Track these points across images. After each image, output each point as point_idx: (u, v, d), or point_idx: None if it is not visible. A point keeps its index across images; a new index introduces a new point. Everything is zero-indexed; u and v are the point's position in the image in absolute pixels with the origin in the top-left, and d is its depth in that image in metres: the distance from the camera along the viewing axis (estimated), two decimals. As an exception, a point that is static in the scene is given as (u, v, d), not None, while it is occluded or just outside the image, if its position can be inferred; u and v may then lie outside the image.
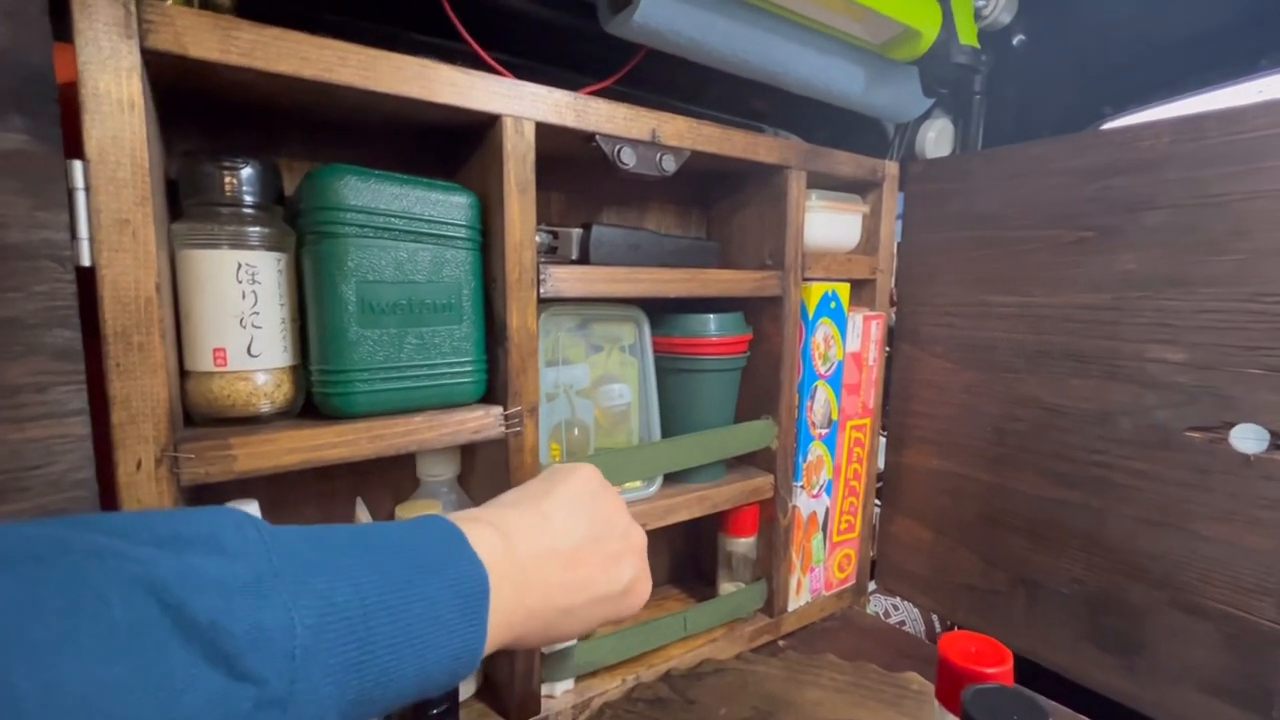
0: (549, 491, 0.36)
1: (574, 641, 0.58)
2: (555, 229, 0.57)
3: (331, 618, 0.23)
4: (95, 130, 0.34)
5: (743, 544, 0.72)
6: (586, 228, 0.56)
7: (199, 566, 0.21)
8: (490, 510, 0.34)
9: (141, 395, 0.36)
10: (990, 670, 0.38)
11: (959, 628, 0.83)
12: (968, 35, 0.64)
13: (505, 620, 0.29)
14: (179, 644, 0.19)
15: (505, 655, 0.55)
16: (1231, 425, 0.54)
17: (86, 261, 0.34)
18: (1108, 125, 0.80)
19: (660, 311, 0.66)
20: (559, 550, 0.33)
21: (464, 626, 0.27)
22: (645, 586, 0.37)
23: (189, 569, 0.21)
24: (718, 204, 0.75)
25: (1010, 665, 0.39)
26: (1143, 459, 0.60)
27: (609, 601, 0.35)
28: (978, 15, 0.70)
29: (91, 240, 0.34)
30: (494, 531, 0.31)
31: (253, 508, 0.44)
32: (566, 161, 0.61)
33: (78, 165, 0.34)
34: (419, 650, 0.25)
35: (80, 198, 0.34)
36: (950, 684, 0.39)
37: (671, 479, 0.65)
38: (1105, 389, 0.62)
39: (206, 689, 0.20)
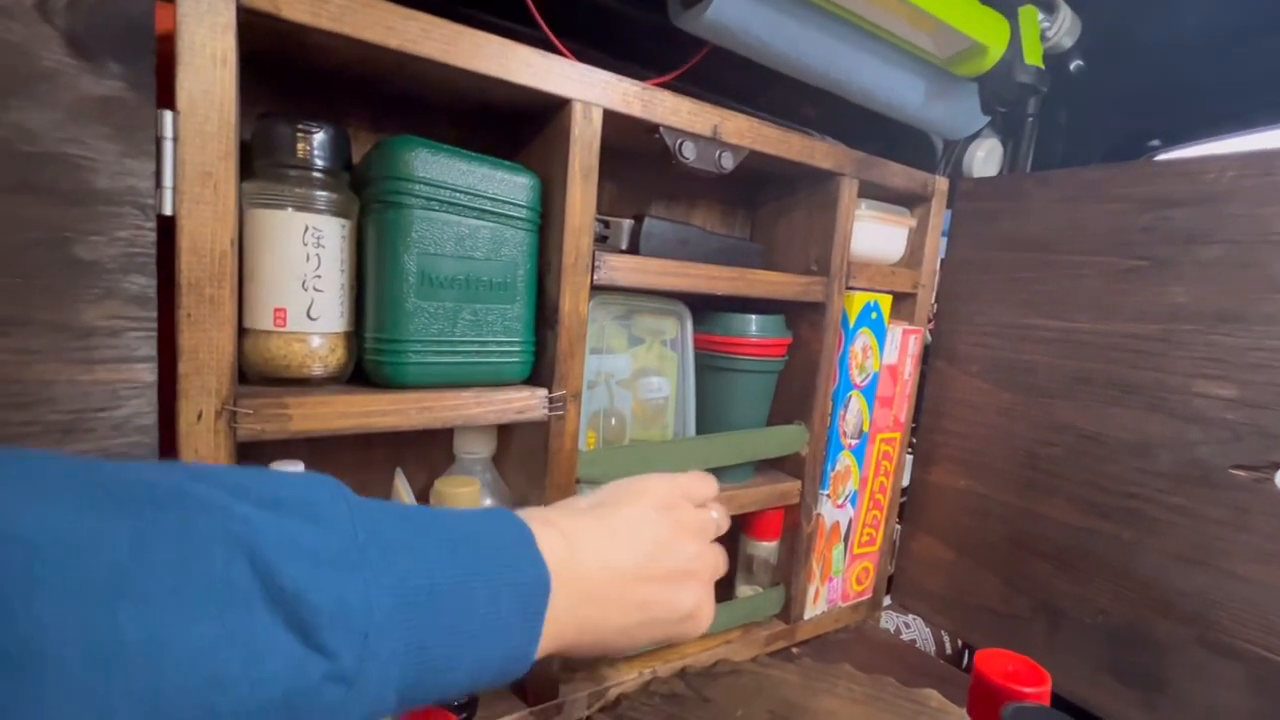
0: (619, 503, 0.35)
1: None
2: (607, 218, 0.57)
3: (405, 600, 0.23)
4: (187, 83, 0.34)
5: (764, 548, 0.72)
6: (638, 219, 0.57)
7: (294, 533, 0.21)
8: (558, 514, 0.33)
9: (209, 347, 0.37)
10: (1029, 690, 0.38)
11: (971, 649, 0.83)
12: (1033, 55, 0.64)
13: (559, 629, 0.29)
14: (265, 609, 0.20)
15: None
16: (1278, 466, 0.54)
17: (169, 211, 0.34)
18: (1162, 156, 0.79)
19: (702, 308, 0.66)
20: (621, 568, 0.32)
21: (521, 627, 0.27)
22: (707, 613, 0.36)
23: (284, 535, 0.21)
24: (764, 206, 0.75)
25: (1049, 687, 0.38)
26: (1181, 494, 0.59)
27: (665, 625, 0.34)
28: (1043, 36, 0.69)
29: (175, 190, 0.34)
30: (561, 538, 0.30)
31: (298, 469, 0.44)
32: (621, 151, 0.61)
33: (168, 116, 0.34)
34: (476, 644, 0.26)
35: (168, 148, 0.34)
36: (985, 700, 0.39)
37: (701, 476, 0.65)
38: (1147, 420, 0.61)
39: (286, 656, 0.20)
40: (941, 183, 0.75)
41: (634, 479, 0.37)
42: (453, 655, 0.25)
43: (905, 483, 0.84)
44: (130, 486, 0.19)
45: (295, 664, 0.20)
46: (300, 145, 0.43)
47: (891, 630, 0.84)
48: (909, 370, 0.76)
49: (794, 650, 0.72)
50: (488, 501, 0.54)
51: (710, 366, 0.66)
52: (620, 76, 0.49)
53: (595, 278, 0.51)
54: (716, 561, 0.37)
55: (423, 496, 0.56)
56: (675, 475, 0.38)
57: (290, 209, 0.42)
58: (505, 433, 0.58)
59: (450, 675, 0.25)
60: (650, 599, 0.33)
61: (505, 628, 0.27)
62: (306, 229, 0.42)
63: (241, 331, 0.43)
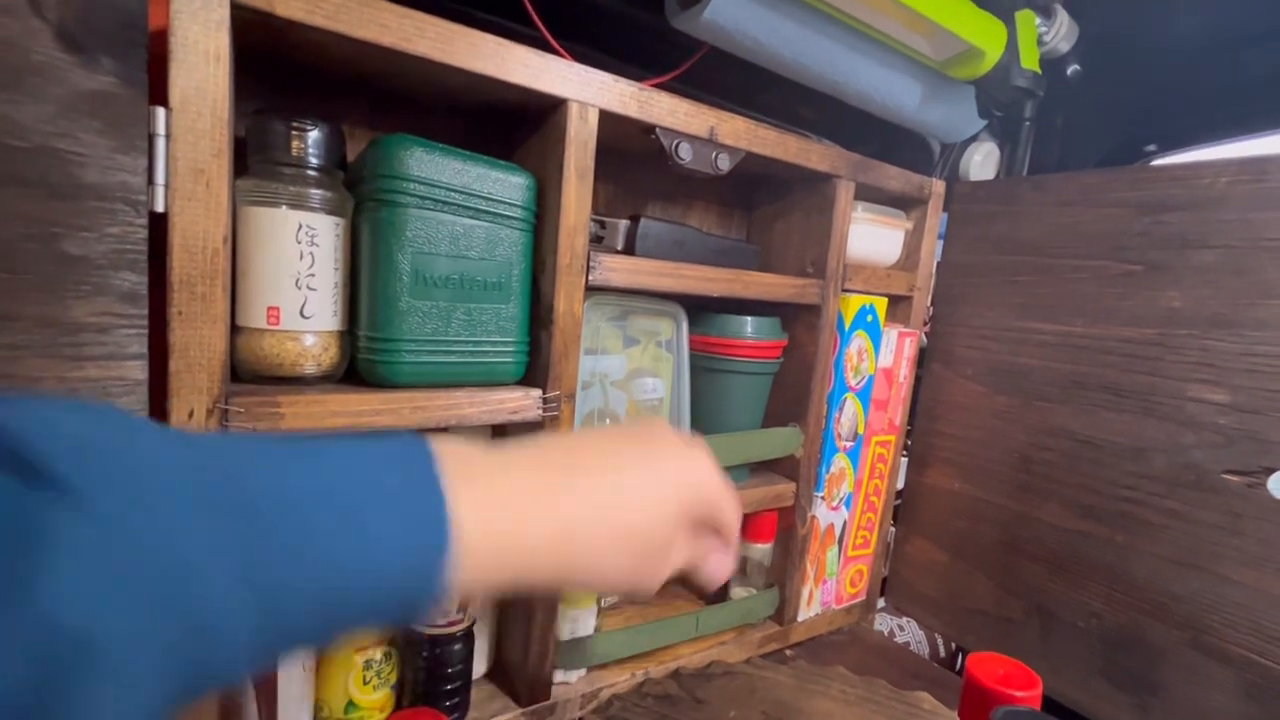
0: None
1: (589, 631, 0.58)
2: (603, 218, 0.57)
3: (201, 463, 0.19)
4: (180, 79, 0.34)
5: (759, 550, 0.71)
6: (634, 219, 0.56)
7: (52, 414, 0.18)
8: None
9: (200, 345, 0.36)
10: (1020, 694, 0.38)
11: (965, 652, 0.83)
12: (1030, 59, 0.64)
13: (489, 509, 0.23)
14: None
15: (520, 638, 0.55)
16: (1270, 471, 0.54)
17: (160, 207, 0.34)
18: (1158, 161, 0.80)
19: (697, 310, 0.66)
20: (583, 449, 0.27)
21: (407, 491, 0.21)
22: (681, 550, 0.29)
23: (37, 413, 0.18)
24: (760, 208, 0.75)
25: (1040, 691, 0.38)
26: (1174, 498, 0.59)
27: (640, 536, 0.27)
28: (1039, 41, 0.69)
29: (167, 187, 0.34)
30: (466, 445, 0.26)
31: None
32: (616, 152, 0.61)
33: (160, 112, 0.34)
34: (353, 521, 0.20)
35: (160, 144, 0.34)
36: (976, 704, 0.39)
37: (695, 478, 0.65)
38: (1141, 425, 0.62)
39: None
40: (938, 186, 0.75)
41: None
42: (311, 535, 0.20)
43: (900, 485, 0.84)
44: None
45: None
46: (294, 143, 0.42)
47: (885, 633, 0.84)
48: (904, 373, 0.77)
49: (788, 652, 0.72)
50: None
51: (705, 368, 0.66)
52: (617, 77, 0.49)
53: (590, 278, 0.50)
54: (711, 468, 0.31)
55: (416, 496, 0.56)
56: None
57: (284, 207, 0.42)
58: (499, 433, 0.57)
59: (322, 568, 0.20)
60: (624, 477, 0.27)
61: (381, 494, 0.21)
62: (300, 227, 0.42)
63: (234, 330, 0.43)
